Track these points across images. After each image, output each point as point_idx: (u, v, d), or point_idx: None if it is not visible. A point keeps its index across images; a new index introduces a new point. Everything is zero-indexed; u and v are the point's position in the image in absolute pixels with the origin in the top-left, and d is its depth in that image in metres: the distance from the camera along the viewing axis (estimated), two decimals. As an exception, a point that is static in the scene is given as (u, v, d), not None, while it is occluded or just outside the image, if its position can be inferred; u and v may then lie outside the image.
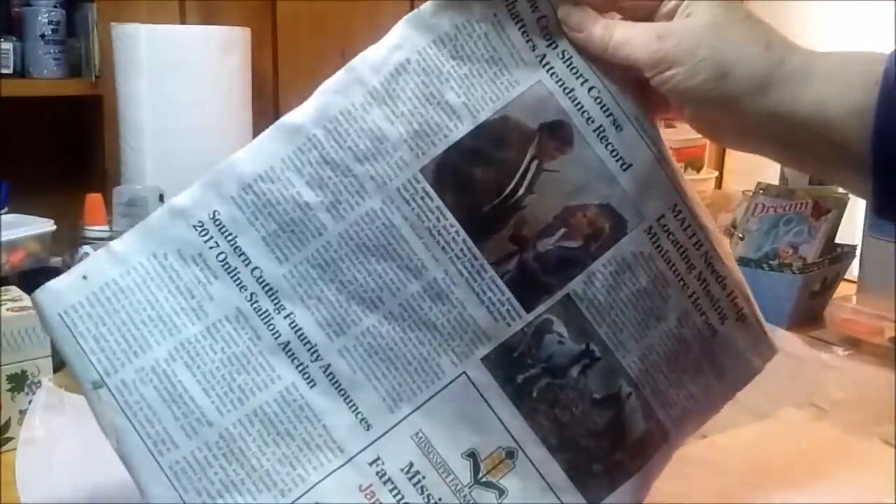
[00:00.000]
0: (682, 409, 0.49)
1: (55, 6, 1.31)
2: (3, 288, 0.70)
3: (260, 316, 0.46)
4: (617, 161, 0.48)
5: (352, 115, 0.46)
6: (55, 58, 1.30)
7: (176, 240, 0.46)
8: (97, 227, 0.95)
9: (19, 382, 0.64)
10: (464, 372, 0.47)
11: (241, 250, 0.46)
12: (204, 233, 0.46)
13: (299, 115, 0.46)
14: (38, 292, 0.45)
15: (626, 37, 0.46)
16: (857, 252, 1.01)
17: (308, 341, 0.46)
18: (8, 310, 0.65)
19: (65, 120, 1.38)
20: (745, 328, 0.51)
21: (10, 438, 0.63)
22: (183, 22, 1.27)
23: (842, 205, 0.98)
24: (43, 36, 1.30)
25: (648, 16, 0.48)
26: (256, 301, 0.46)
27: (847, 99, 0.43)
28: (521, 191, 0.47)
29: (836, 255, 0.99)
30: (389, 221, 0.46)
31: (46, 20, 1.30)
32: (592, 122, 0.48)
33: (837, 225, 0.99)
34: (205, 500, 0.44)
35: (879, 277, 0.94)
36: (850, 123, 0.43)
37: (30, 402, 0.64)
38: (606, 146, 0.48)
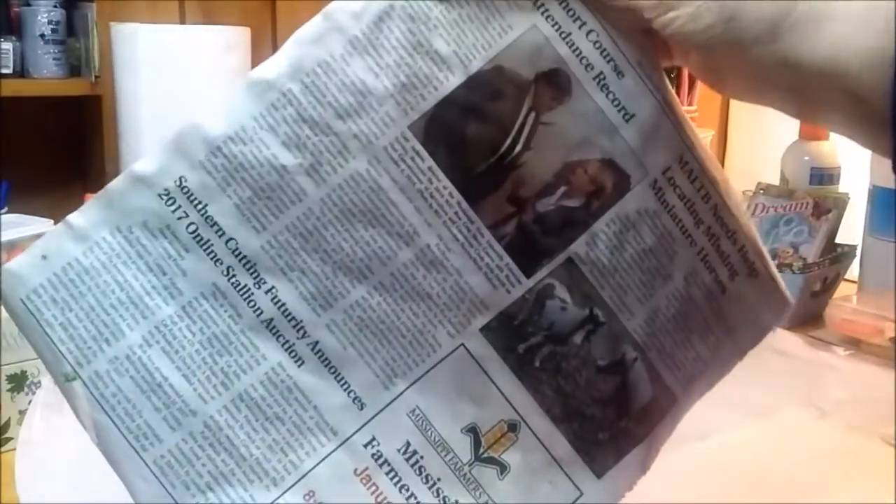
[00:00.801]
0: (690, 371, 0.46)
1: (55, 6, 1.31)
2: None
3: (239, 291, 0.42)
4: (619, 111, 0.45)
5: (331, 67, 0.42)
6: (55, 58, 1.30)
7: (140, 210, 0.41)
8: (97, 227, 0.94)
9: (19, 382, 0.64)
10: (462, 343, 0.44)
11: (213, 220, 0.41)
12: (171, 202, 0.41)
13: (272, 69, 0.42)
14: (11, 266, 0.42)
15: None
16: (858, 252, 1.01)
17: (293, 317, 0.42)
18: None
19: (64, 120, 1.38)
20: (758, 283, 0.48)
21: (10, 439, 0.63)
22: (182, 22, 1.27)
23: (842, 205, 0.98)
24: (42, 36, 1.30)
25: None
26: (234, 275, 0.42)
27: (866, 44, 0.39)
28: (519, 147, 0.44)
29: (837, 255, 0.99)
30: (376, 184, 0.42)
31: (46, 20, 1.30)
32: (592, 69, 0.44)
33: (838, 225, 0.99)
34: (194, 493, 0.41)
35: (880, 277, 0.94)
36: (870, 72, 0.39)
37: (29, 402, 0.64)
38: (607, 95, 0.45)
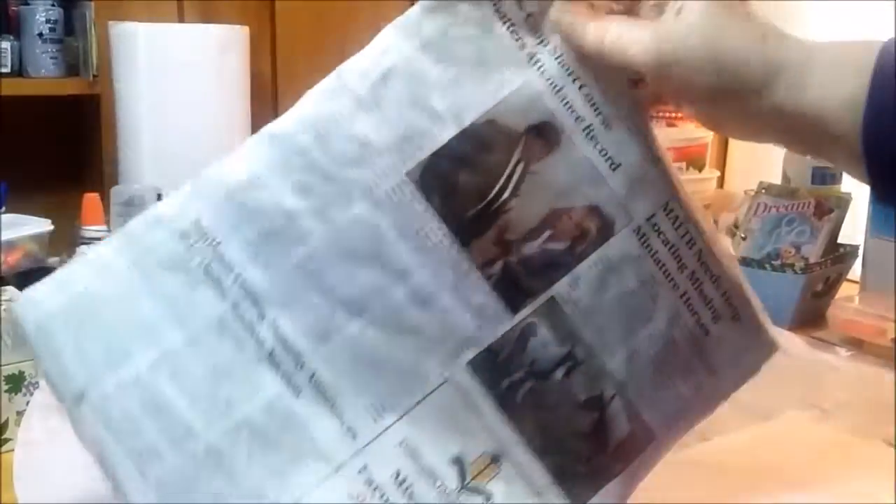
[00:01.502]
0: (670, 410, 0.49)
1: (53, 5, 1.31)
2: (0, 288, 0.70)
3: (243, 324, 0.45)
4: (606, 161, 0.47)
5: (339, 121, 0.46)
6: (53, 57, 1.30)
7: (157, 247, 0.45)
8: (95, 227, 0.94)
9: (17, 383, 0.64)
10: (449, 377, 0.46)
11: (224, 258, 0.45)
12: (186, 241, 0.45)
13: (287, 122, 0.46)
14: (16, 305, 0.45)
15: (621, 38, 0.45)
16: (860, 252, 1.01)
17: (292, 349, 0.45)
18: (5, 310, 0.64)
19: (62, 119, 1.37)
20: (741, 327, 0.50)
21: (9, 440, 0.63)
22: (181, 21, 1.26)
23: (844, 205, 0.98)
24: (41, 35, 1.29)
25: (631, 7, 0.47)
26: (240, 309, 0.45)
27: (842, 89, 0.42)
28: (506, 195, 0.47)
29: (839, 256, 0.98)
30: (376, 226, 0.45)
31: (44, 19, 1.30)
32: (582, 121, 0.47)
33: (840, 225, 0.98)
34: None
35: (882, 278, 0.94)
36: (846, 114, 0.42)
37: (27, 402, 0.64)
38: (595, 146, 0.47)
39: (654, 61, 0.44)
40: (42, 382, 0.65)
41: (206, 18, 1.26)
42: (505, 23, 0.47)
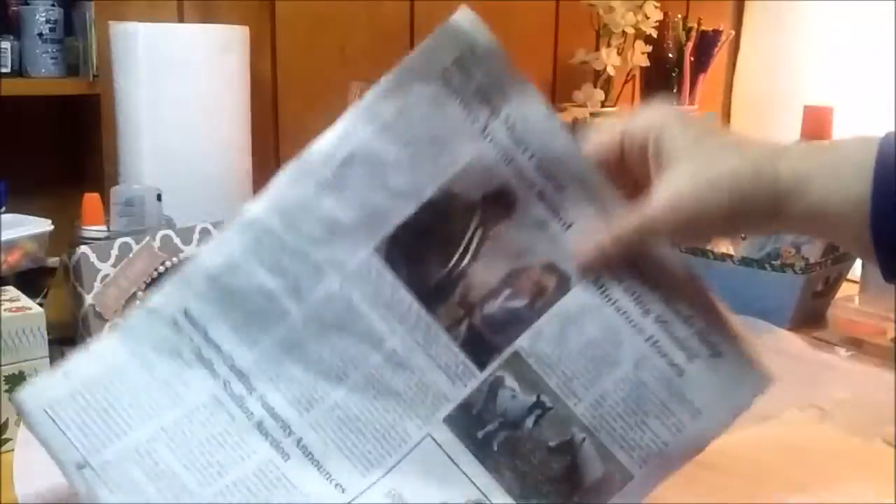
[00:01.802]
0: (647, 451, 0.49)
1: (53, 5, 1.31)
2: (0, 288, 0.70)
3: (234, 399, 0.49)
4: (559, 222, 0.50)
5: (306, 204, 0.49)
6: (53, 56, 1.30)
7: (153, 337, 0.49)
8: (95, 227, 0.94)
9: (17, 383, 0.64)
10: (428, 433, 0.49)
11: (212, 341, 0.49)
12: (177, 330, 0.49)
13: (256, 207, 0.49)
14: (21, 392, 0.48)
15: (634, 232, 0.48)
16: (859, 252, 1.00)
17: (280, 418, 0.49)
18: (6, 310, 0.64)
19: (62, 119, 1.37)
20: (723, 364, 0.50)
21: (9, 440, 0.63)
22: (181, 21, 1.26)
23: (843, 205, 0.98)
24: (41, 35, 1.29)
25: (618, 165, 0.50)
26: (230, 386, 0.49)
27: (846, 190, 0.45)
28: (466, 260, 0.50)
29: (839, 255, 0.98)
30: (348, 299, 0.49)
31: (44, 19, 1.29)
32: (534, 187, 0.50)
33: (839, 225, 0.98)
34: None
35: (882, 278, 0.94)
36: (852, 211, 0.45)
37: (27, 402, 0.64)
38: (548, 207, 0.50)
39: (670, 237, 0.49)
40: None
41: (206, 18, 1.26)
42: (456, 97, 0.49)
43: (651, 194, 0.47)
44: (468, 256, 0.50)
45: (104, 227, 0.94)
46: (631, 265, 0.50)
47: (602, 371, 0.50)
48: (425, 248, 0.50)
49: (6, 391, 0.63)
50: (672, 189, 0.47)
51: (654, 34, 1.48)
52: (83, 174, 1.32)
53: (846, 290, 1.02)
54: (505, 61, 0.49)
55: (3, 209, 0.96)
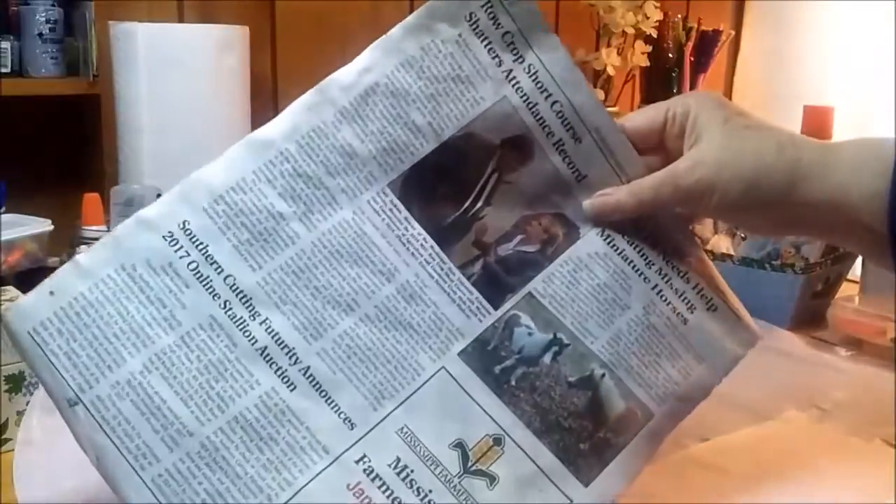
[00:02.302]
0: (663, 390, 0.51)
1: (53, 5, 1.31)
2: (0, 288, 0.70)
3: (235, 322, 0.46)
4: (573, 172, 0.52)
5: (323, 132, 0.48)
6: (53, 57, 1.30)
7: (144, 250, 0.46)
8: (95, 227, 0.94)
9: (17, 383, 0.64)
10: (443, 367, 0.48)
11: (212, 259, 0.46)
12: (174, 242, 0.46)
13: (271, 131, 0.48)
14: (6, 311, 0.45)
15: (656, 188, 0.50)
16: (859, 252, 1.00)
17: (286, 345, 0.46)
18: (6, 310, 0.64)
19: (62, 119, 1.37)
20: (718, 318, 0.53)
21: (8, 440, 0.63)
22: (181, 20, 1.26)
23: (843, 205, 0.98)
24: (41, 35, 1.30)
25: (658, 146, 0.52)
26: (231, 308, 0.46)
27: (864, 186, 0.46)
28: (480, 203, 0.51)
29: (839, 255, 0.98)
30: (361, 230, 0.48)
31: (44, 19, 1.30)
32: (553, 135, 0.51)
33: (839, 225, 0.98)
34: None
35: (882, 278, 0.94)
36: (870, 207, 0.46)
37: (27, 402, 0.64)
38: (564, 158, 0.52)
39: (684, 195, 0.50)
40: (42, 382, 0.65)
41: (206, 18, 1.26)
42: (482, 40, 0.50)
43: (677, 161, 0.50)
44: (482, 200, 0.51)
45: (104, 227, 0.94)
46: (638, 222, 0.52)
47: (615, 312, 0.51)
48: (441, 188, 0.50)
49: (6, 391, 0.63)
50: (697, 155, 0.49)
51: (654, 34, 1.48)
52: (83, 174, 1.32)
53: (846, 290, 1.02)
54: (533, 11, 0.51)
55: (4, 209, 0.96)
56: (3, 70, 1.27)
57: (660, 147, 0.52)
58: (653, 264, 0.52)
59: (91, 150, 1.30)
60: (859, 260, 1.01)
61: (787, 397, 0.74)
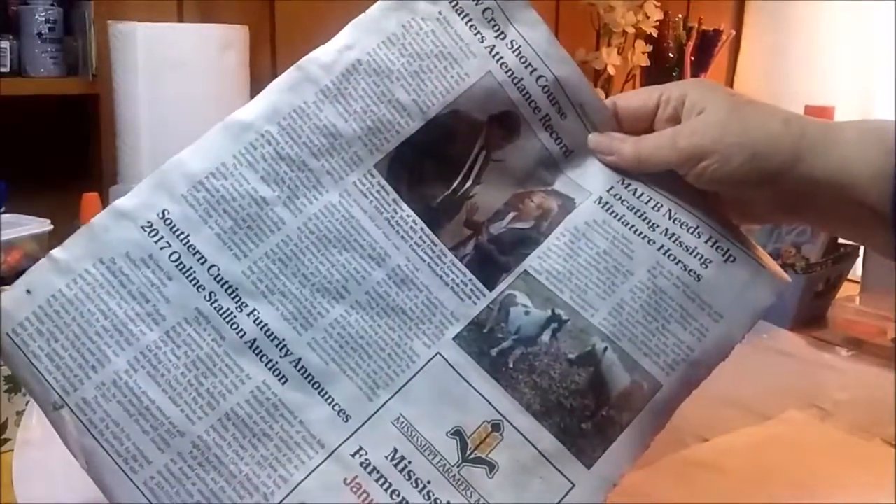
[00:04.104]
0: (673, 357, 0.48)
1: (52, 4, 1.31)
2: (0, 288, 0.70)
3: (221, 315, 0.44)
4: (560, 147, 0.51)
5: (305, 112, 0.47)
6: (52, 56, 1.30)
7: (123, 242, 0.44)
8: (95, 227, 0.94)
9: (17, 383, 0.63)
10: (438, 353, 0.46)
11: (195, 249, 0.44)
12: (153, 233, 0.44)
13: (250, 112, 0.47)
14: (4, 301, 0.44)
15: (656, 145, 0.50)
16: (860, 252, 1.01)
17: (275, 337, 0.45)
18: (5, 310, 0.64)
19: (62, 119, 1.37)
20: (737, 269, 0.50)
21: (8, 440, 0.63)
22: (181, 20, 1.26)
23: (843, 204, 0.98)
24: (40, 34, 1.29)
25: (648, 128, 0.51)
26: (216, 300, 0.44)
27: (868, 164, 0.45)
28: (469, 182, 0.49)
29: (839, 256, 0.98)
30: (348, 213, 0.47)
31: (43, 18, 1.30)
32: (539, 111, 0.50)
33: (839, 225, 0.98)
34: None
35: (882, 278, 0.94)
36: (873, 186, 0.45)
37: (27, 403, 0.64)
38: (551, 134, 0.51)
39: (688, 156, 0.48)
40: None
41: (206, 18, 1.26)
42: (463, 17, 0.50)
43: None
44: (471, 179, 0.49)
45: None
46: (638, 187, 0.51)
47: (616, 281, 0.49)
48: (428, 168, 0.49)
49: (6, 391, 0.63)
50: (700, 120, 0.48)
51: (655, 34, 1.47)
52: (82, 174, 1.32)
53: (846, 290, 1.02)
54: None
55: (4, 209, 0.96)
56: (3, 70, 1.27)
57: (648, 130, 0.51)
58: (657, 226, 0.50)
59: (90, 150, 1.30)
60: (860, 260, 1.01)
61: (787, 397, 0.74)
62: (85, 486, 0.55)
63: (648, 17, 1.45)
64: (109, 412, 0.42)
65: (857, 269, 1.02)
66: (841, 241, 1.00)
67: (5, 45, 1.28)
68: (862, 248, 1.00)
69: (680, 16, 1.54)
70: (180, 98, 1.08)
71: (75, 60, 1.30)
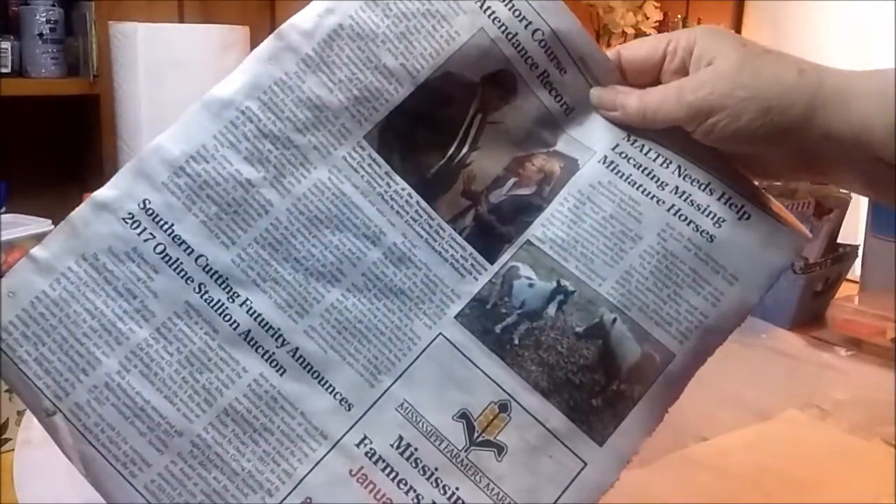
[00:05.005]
0: (686, 325, 0.46)
1: (53, 5, 1.31)
2: (0, 288, 0.70)
3: (213, 307, 0.42)
4: (560, 105, 0.48)
5: (286, 84, 0.44)
6: (53, 57, 1.30)
7: (105, 237, 0.42)
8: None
9: (17, 383, 0.64)
10: (440, 333, 0.44)
11: (180, 239, 0.42)
12: (136, 225, 0.42)
13: (228, 88, 0.44)
14: None
15: (661, 99, 0.46)
16: (859, 252, 1.01)
17: (270, 326, 0.43)
18: (5, 310, 0.64)
19: (62, 119, 1.37)
20: (753, 227, 0.47)
21: (9, 439, 0.63)
22: (181, 21, 1.26)
23: (844, 204, 0.98)
24: (41, 35, 1.29)
25: (655, 80, 0.48)
26: (206, 291, 0.42)
27: (889, 116, 0.43)
28: (466, 148, 0.46)
29: (838, 255, 0.98)
30: (339, 191, 0.44)
31: (44, 19, 1.30)
32: (536, 67, 0.47)
33: (839, 225, 0.98)
34: None
35: (881, 277, 0.94)
36: (890, 139, 0.43)
37: (27, 403, 0.64)
38: (550, 91, 0.48)
39: (695, 112, 0.45)
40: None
41: (206, 18, 1.26)
42: None
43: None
44: (468, 144, 0.46)
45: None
46: (645, 143, 0.48)
47: (624, 246, 0.46)
48: (421, 136, 0.46)
49: (6, 391, 0.63)
50: (708, 72, 0.45)
51: (654, 34, 1.48)
52: (83, 174, 1.32)
53: (846, 290, 1.02)
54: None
55: (4, 209, 0.96)
56: (4, 70, 1.27)
57: (655, 83, 0.48)
58: (666, 185, 0.47)
59: (91, 150, 1.30)
60: (859, 260, 1.01)
61: (787, 397, 0.74)
62: (85, 486, 0.55)
63: (648, 18, 1.45)
64: (104, 416, 0.41)
65: (856, 269, 1.02)
66: (840, 240, 1.00)
67: (6, 45, 1.28)
68: (861, 248, 1.00)
69: (679, 16, 1.54)
70: (181, 98, 1.08)
71: (76, 61, 1.31)
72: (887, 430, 0.68)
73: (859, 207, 1.03)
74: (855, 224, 1.05)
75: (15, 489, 0.57)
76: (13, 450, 0.62)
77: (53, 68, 1.30)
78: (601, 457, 0.44)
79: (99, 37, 1.21)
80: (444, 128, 0.46)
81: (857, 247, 1.01)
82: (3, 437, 0.62)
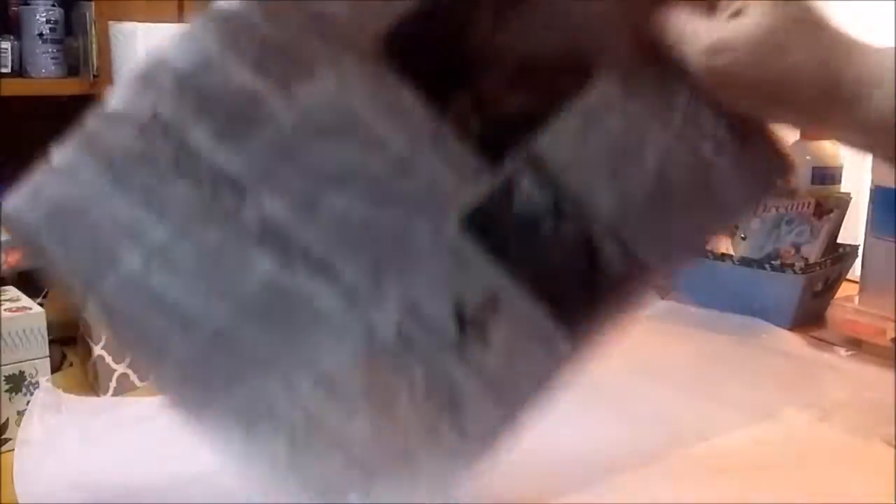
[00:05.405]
0: (674, 243, 0.49)
1: (53, 5, 1.31)
2: (0, 288, 0.70)
3: (226, 209, 0.44)
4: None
5: None
6: (53, 57, 1.30)
7: (120, 144, 0.44)
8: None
9: (17, 383, 0.64)
10: (441, 236, 0.46)
11: (191, 147, 0.44)
12: (148, 135, 0.44)
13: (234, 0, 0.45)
14: (6, 209, 0.44)
15: (691, 33, 0.44)
16: (860, 252, 1.01)
17: (280, 227, 0.45)
18: (6, 310, 0.64)
19: (62, 119, 1.37)
20: (749, 152, 0.49)
21: (8, 439, 0.63)
22: (181, 21, 1.26)
23: (844, 205, 0.98)
24: (41, 35, 1.30)
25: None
26: (219, 195, 0.44)
27: None
28: (475, 56, 0.47)
29: (839, 256, 0.98)
30: (344, 100, 0.45)
31: (44, 19, 1.30)
32: None
33: (839, 225, 0.98)
34: (212, 394, 0.45)
35: (882, 278, 0.94)
36: None
37: (28, 402, 0.64)
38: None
39: (694, 65, 0.44)
40: (43, 382, 0.65)
41: (207, 18, 1.26)
42: None
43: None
44: (477, 52, 0.47)
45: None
46: (656, 63, 0.47)
47: (625, 168, 0.47)
48: (428, 44, 0.46)
49: (6, 391, 0.63)
50: (731, 29, 0.43)
51: None
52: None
53: (846, 290, 1.02)
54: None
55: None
56: (4, 70, 1.27)
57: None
58: (676, 107, 0.48)
59: (91, 151, 1.30)
60: (859, 260, 1.01)
61: (786, 397, 0.74)
62: (85, 486, 0.55)
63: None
64: (128, 308, 0.44)
65: (857, 269, 1.02)
66: (840, 240, 1.00)
67: (6, 45, 1.28)
68: (861, 249, 1.00)
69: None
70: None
71: (76, 61, 1.31)
72: (887, 430, 0.67)
73: (859, 207, 1.03)
74: (855, 224, 1.05)
75: (14, 489, 0.57)
76: (13, 450, 0.62)
77: (53, 68, 1.30)
78: (579, 347, 0.48)
79: (99, 37, 1.21)
80: (451, 35, 0.46)
81: (857, 247, 1.01)
82: (3, 437, 0.62)
